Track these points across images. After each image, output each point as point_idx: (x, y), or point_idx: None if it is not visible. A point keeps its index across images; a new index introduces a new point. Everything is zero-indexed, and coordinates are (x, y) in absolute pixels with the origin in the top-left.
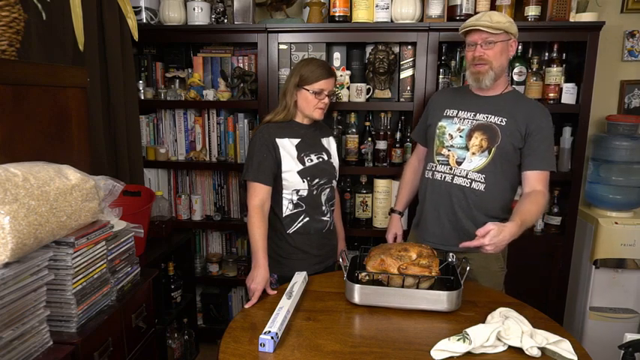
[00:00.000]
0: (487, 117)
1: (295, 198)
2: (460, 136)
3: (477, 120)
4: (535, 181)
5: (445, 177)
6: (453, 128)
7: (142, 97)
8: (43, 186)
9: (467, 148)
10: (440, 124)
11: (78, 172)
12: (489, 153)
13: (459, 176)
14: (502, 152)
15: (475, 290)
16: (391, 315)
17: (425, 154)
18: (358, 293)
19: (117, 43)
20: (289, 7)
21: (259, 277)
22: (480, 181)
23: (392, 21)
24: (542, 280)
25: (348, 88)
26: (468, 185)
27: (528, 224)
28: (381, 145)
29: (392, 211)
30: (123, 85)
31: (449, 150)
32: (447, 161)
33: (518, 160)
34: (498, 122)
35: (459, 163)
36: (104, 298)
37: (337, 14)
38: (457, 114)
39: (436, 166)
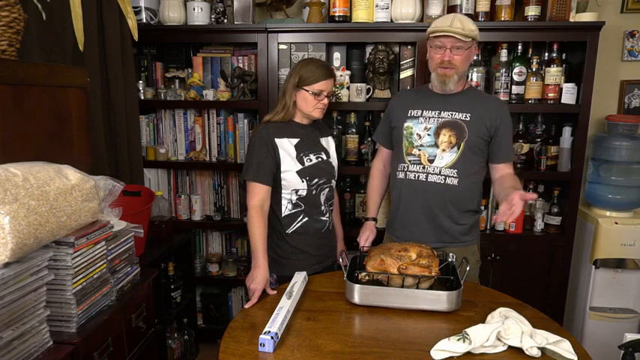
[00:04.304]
0: (452, 114)
1: (294, 198)
2: (428, 135)
3: (442, 117)
4: (505, 169)
5: (419, 176)
6: (419, 128)
7: (142, 97)
8: (43, 186)
9: (436, 146)
10: (406, 124)
11: (78, 172)
12: (458, 148)
13: (432, 174)
14: (470, 146)
15: (475, 290)
16: (391, 315)
17: (389, 157)
18: (358, 293)
19: (117, 43)
20: (289, 7)
21: (259, 277)
22: (453, 176)
23: (392, 21)
24: (542, 280)
25: (348, 88)
26: (443, 182)
27: None
28: None
29: (365, 219)
30: (123, 85)
31: (419, 149)
32: (419, 160)
33: (485, 151)
34: (463, 118)
35: (431, 161)
36: (104, 298)
37: (337, 14)
38: (422, 113)
39: (408, 167)
